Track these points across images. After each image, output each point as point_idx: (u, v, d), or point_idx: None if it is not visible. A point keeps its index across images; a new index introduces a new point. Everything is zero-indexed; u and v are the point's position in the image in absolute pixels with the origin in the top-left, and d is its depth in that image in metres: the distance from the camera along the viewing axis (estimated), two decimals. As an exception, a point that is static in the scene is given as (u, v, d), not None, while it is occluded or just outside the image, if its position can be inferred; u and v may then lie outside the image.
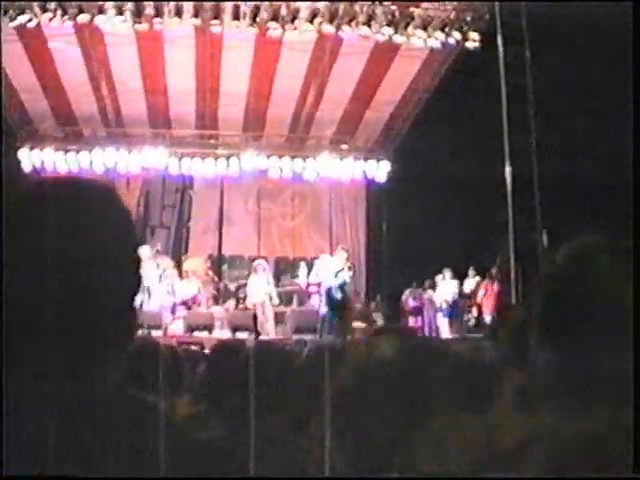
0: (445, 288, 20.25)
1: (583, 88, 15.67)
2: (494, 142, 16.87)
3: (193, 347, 10.65)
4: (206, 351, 10.84)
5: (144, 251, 19.46)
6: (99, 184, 1.75)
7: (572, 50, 15.34)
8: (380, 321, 20.58)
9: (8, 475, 1.47)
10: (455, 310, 20.42)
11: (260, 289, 19.55)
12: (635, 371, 1.54)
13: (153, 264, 19.40)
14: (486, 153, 17.41)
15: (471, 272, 20.27)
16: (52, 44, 17.53)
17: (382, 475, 2.02)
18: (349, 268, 19.22)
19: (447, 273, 20.23)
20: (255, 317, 19.33)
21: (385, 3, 16.76)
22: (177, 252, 23.36)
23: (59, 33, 16.97)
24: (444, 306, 20.28)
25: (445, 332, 20.06)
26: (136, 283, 1.72)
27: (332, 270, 18.85)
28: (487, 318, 19.17)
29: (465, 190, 19.11)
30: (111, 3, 16.03)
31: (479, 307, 20.07)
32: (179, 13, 16.28)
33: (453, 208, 19.85)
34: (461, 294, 20.41)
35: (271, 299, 19.57)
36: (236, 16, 16.47)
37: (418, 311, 20.90)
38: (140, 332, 18.05)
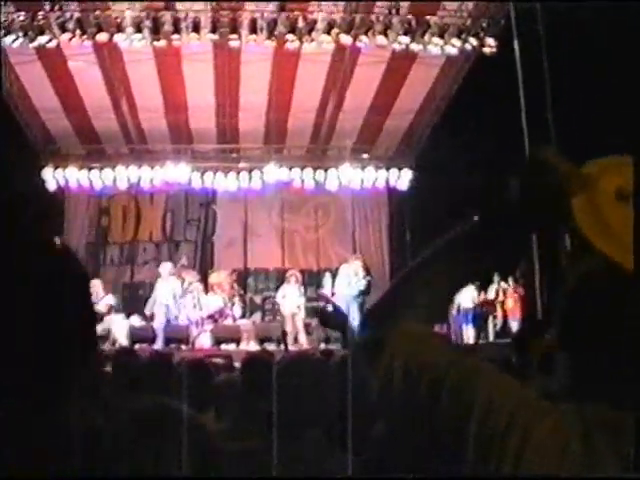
0: (465, 294, 20.19)
1: (603, 89, 15.60)
2: (515, 149, 16.82)
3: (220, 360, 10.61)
4: (235, 364, 10.94)
5: (164, 268, 19.59)
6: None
7: (590, 51, 15.28)
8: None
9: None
10: (477, 316, 20.35)
11: (292, 300, 19.61)
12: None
13: (176, 280, 19.52)
14: (507, 158, 17.36)
15: (495, 278, 20.18)
16: (72, 63, 17.66)
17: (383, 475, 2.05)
18: (365, 276, 19.25)
19: None
20: (284, 328, 19.43)
21: (401, 12, 16.77)
22: (202, 266, 23.42)
23: (78, 52, 17.09)
24: (467, 312, 20.23)
25: (470, 338, 20.01)
26: (87, 315, 1.72)
27: (346, 280, 18.90)
28: (513, 324, 19.15)
29: (487, 197, 19.03)
30: (129, 20, 16.14)
31: (504, 312, 20.02)
32: (197, 29, 16.36)
33: (475, 215, 19.78)
34: (487, 300, 20.34)
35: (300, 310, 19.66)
36: (253, 30, 16.53)
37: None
38: (168, 346, 18.26)
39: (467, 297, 20.15)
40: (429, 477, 1.60)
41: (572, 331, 1.68)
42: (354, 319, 18.67)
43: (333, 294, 19.96)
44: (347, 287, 18.82)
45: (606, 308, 1.60)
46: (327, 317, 16.53)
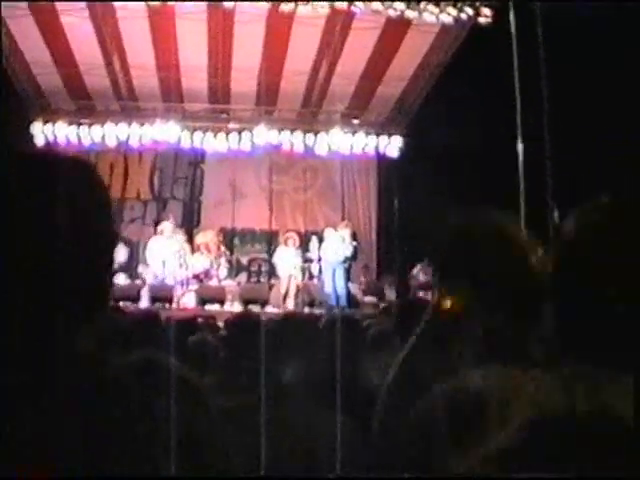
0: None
1: (598, 62, 15.58)
2: (507, 118, 16.83)
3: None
4: (219, 323, 10.99)
5: (166, 226, 19.59)
6: (80, 162, 1.77)
7: (586, 23, 15.23)
8: (393, 296, 20.64)
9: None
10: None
11: (290, 262, 19.68)
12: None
13: (179, 237, 19.59)
14: (499, 129, 17.37)
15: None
16: (64, 18, 17.53)
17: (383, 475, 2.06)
18: (352, 242, 19.31)
19: None
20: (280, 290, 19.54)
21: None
22: (189, 225, 23.45)
23: (71, 7, 16.97)
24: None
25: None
26: (108, 260, 1.74)
27: (334, 245, 18.95)
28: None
29: (477, 165, 19.09)
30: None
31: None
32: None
33: (465, 183, 19.82)
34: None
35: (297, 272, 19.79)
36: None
37: (429, 286, 20.91)
38: (153, 305, 18.29)
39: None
40: (428, 477, 1.62)
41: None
42: (339, 284, 18.78)
43: (320, 259, 20.01)
44: (334, 253, 18.85)
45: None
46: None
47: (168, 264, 19.27)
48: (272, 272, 21.16)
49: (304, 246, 21.75)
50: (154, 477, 1.58)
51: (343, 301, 18.76)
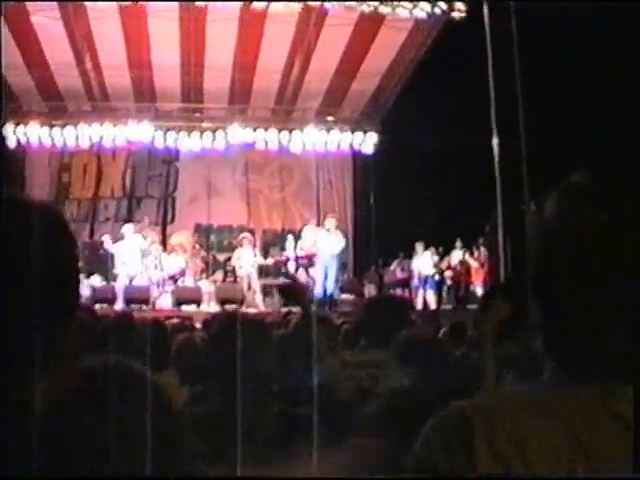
0: (424, 260, 20.25)
1: (571, 57, 15.64)
2: (481, 114, 16.84)
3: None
4: (196, 324, 10.90)
5: (127, 229, 19.45)
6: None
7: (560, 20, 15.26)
8: (372, 292, 20.60)
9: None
10: (438, 282, 20.41)
11: (247, 262, 19.56)
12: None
13: (139, 238, 19.39)
14: (473, 125, 17.38)
15: (458, 244, 20.22)
16: (35, 19, 17.39)
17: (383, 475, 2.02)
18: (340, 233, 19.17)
19: (419, 246, 20.20)
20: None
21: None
22: (164, 223, 23.41)
23: (42, 8, 16.84)
24: (428, 279, 20.29)
25: (431, 304, 20.04)
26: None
27: (324, 239, 18.79)
28: (477, 290, 19.21)
29: (452, 161, 19.11)
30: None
31: (468, 279, 20.08)
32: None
33: (440, 179, 19.84)
34: (449, 266, 20.40)
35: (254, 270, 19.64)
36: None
37: (405, 283, 20.93)
38: (128, 307, 18.16)
39: (427, 263, 20.24)
40: (428, 477, 1.57)
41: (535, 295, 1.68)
42: (332, 278, 18.64)
43: (297, 257, 19.86)
44: (327, 246, 18.65)
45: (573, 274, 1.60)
46: (289, 292, 16.47)
47: (135, 264, 19.11)
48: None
49: (281, 244, 21.69)
50: (154, 477, 1.56)
51: (333, 296, 18.57)
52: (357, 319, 6.81)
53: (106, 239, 19.65)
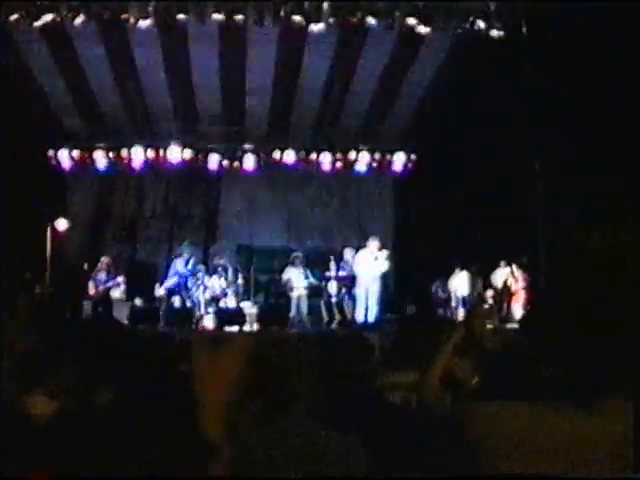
0: (460, 281, 20.22)
1: (608, 75, 15.43)
2: (520, 133, 16.74)
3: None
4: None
5: (185, 249, 19.59)
6: None
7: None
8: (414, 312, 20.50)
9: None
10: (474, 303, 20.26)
11: (298, 281, 19.59)
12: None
13: (182, 259, 19.55)
14: (513, 144, 17.28)
15: (502, 263, 20.05)
16: (77, 43, 17.61)
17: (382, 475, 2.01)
18: (387, 257, 19.01)
19: (456, 267, 20.18)
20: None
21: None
22: (206, 243, 23.49)
23: (83, 32, 17.00)
24: (465, 298, 20.22)
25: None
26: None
27: (370, 261, 18.66)
28: (517, 310, 19.06)
29: (492, 182, 19.03)
30: (135, 3, 16.07)
31: (509, 298, 19.92)
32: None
33: (481, 200, 19.76)
34: (491, 286, 20.26)
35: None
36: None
37: (446, 303, 20.82)
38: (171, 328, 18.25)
39: (463, 284, 20.19)
40: (428, 477, 1.57)
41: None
42: (374, 298, 18.54)
43: (354, 277, 19.53)
44: (370, 267, 18.52)
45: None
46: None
47: (178, 285, 19.27)
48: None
49: (323, 265, 21.62)
50: (154, 477, 1.63)
51: (373, 318, 18.43)
52: (400, 340, 6.78)
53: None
